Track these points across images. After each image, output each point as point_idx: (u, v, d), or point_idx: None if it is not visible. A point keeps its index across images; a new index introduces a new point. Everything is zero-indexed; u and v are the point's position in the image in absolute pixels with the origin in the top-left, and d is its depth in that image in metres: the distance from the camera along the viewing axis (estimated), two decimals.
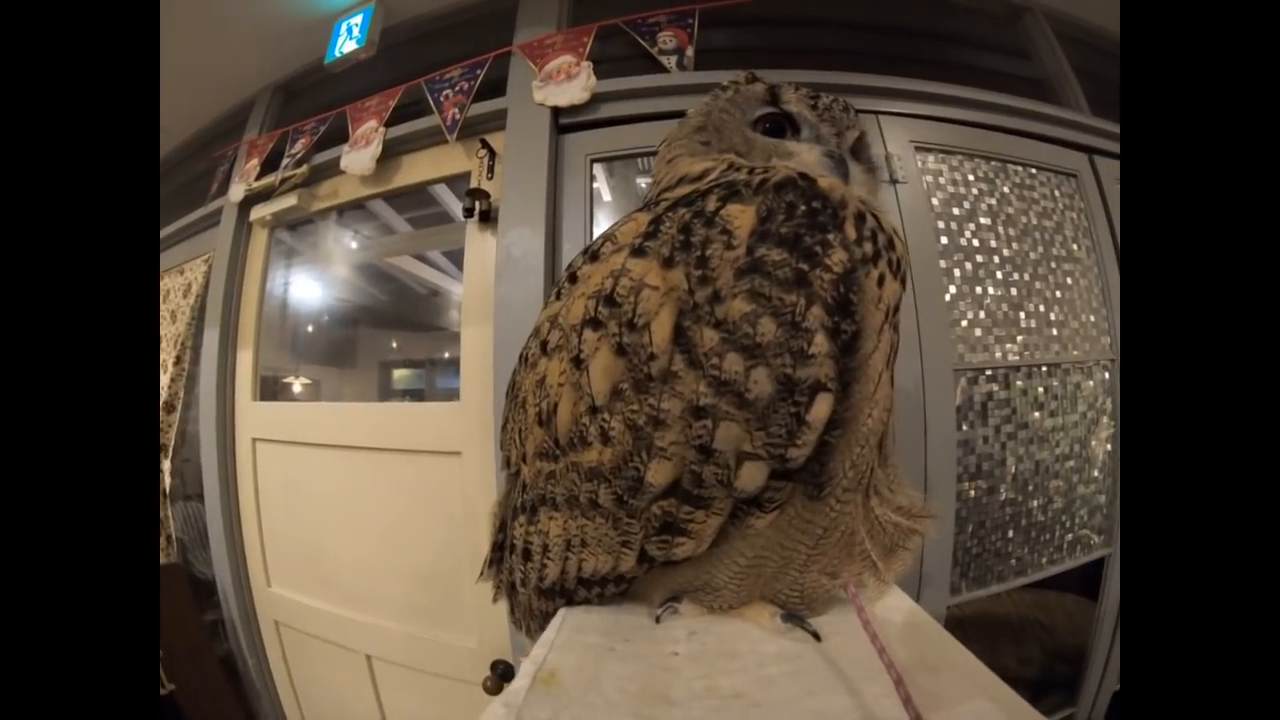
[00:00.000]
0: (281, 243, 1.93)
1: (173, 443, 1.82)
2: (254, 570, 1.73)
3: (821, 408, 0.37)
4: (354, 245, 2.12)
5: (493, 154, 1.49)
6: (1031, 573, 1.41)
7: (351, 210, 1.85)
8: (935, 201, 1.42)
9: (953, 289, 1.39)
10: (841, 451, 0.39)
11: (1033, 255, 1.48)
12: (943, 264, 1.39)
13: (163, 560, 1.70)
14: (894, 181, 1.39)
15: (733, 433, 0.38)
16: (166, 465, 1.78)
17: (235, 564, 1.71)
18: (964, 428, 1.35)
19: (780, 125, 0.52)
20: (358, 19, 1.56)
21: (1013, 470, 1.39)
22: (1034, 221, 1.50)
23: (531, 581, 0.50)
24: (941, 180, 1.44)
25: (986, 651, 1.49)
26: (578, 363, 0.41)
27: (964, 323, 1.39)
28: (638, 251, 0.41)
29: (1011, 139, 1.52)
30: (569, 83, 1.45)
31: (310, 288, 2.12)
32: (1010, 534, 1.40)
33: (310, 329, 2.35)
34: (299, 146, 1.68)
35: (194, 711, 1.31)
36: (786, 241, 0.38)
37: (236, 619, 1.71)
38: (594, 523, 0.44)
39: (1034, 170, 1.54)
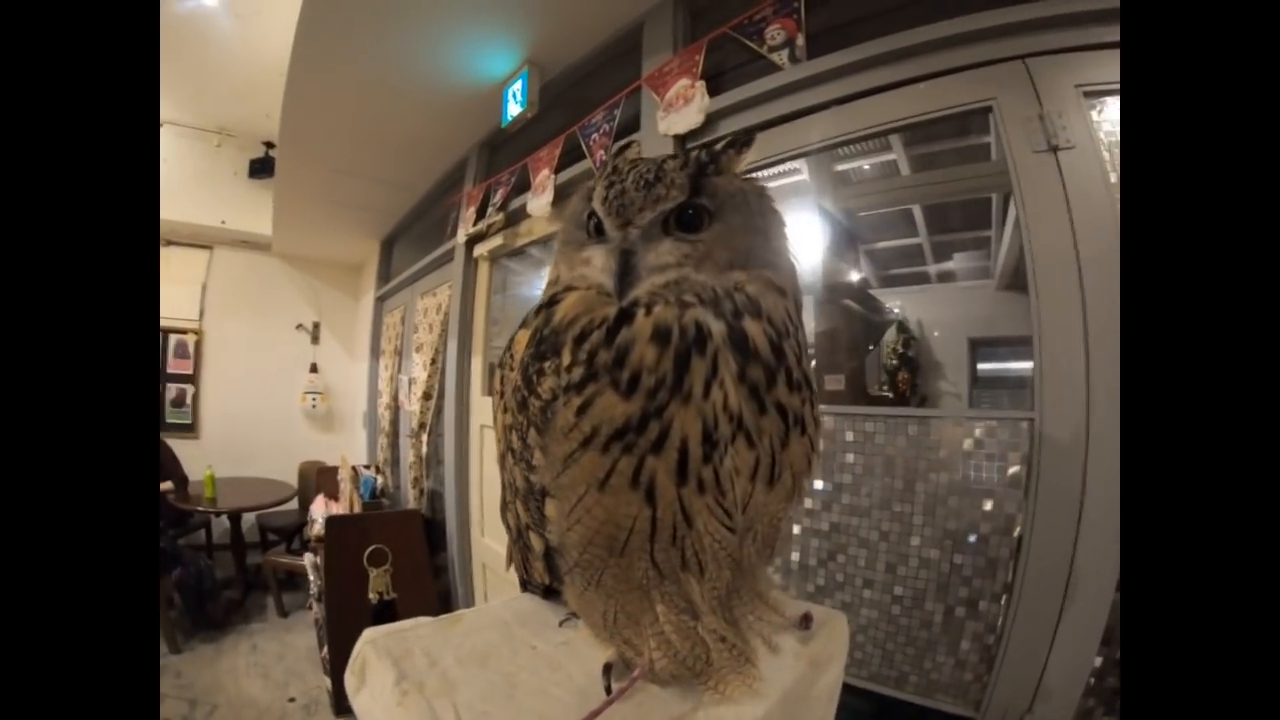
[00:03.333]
0: (531, 255, 2.41)
1: (429, 422, 2.57)
2: (474, 523, 2.31)
3: (551, 508, 0.45)
4: None
5: None
6: None
7: None
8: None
9: None
10: (561, 549, 0.46)
11: None
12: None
13: (414, 506, 2.43)
14: (1054, 149, 1.13)
15: (518, 509, 0.52)
16: (425, 438, 2.53)
17: (461, 517, 2.32)
18: None
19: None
20: (518, 85, 1.93)
21: None
22: None
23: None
24: None
25: None
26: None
27: None
28: (500, 364, 0.53)
29: None
30: (686, 107, 1.53)
31: None
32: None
33: None
34: (499, 196, 2.16)
35: (408, 616, 1.89)
36: (523, 368, 0.45)
37: (456, 557, 2.32)
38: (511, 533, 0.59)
39: None
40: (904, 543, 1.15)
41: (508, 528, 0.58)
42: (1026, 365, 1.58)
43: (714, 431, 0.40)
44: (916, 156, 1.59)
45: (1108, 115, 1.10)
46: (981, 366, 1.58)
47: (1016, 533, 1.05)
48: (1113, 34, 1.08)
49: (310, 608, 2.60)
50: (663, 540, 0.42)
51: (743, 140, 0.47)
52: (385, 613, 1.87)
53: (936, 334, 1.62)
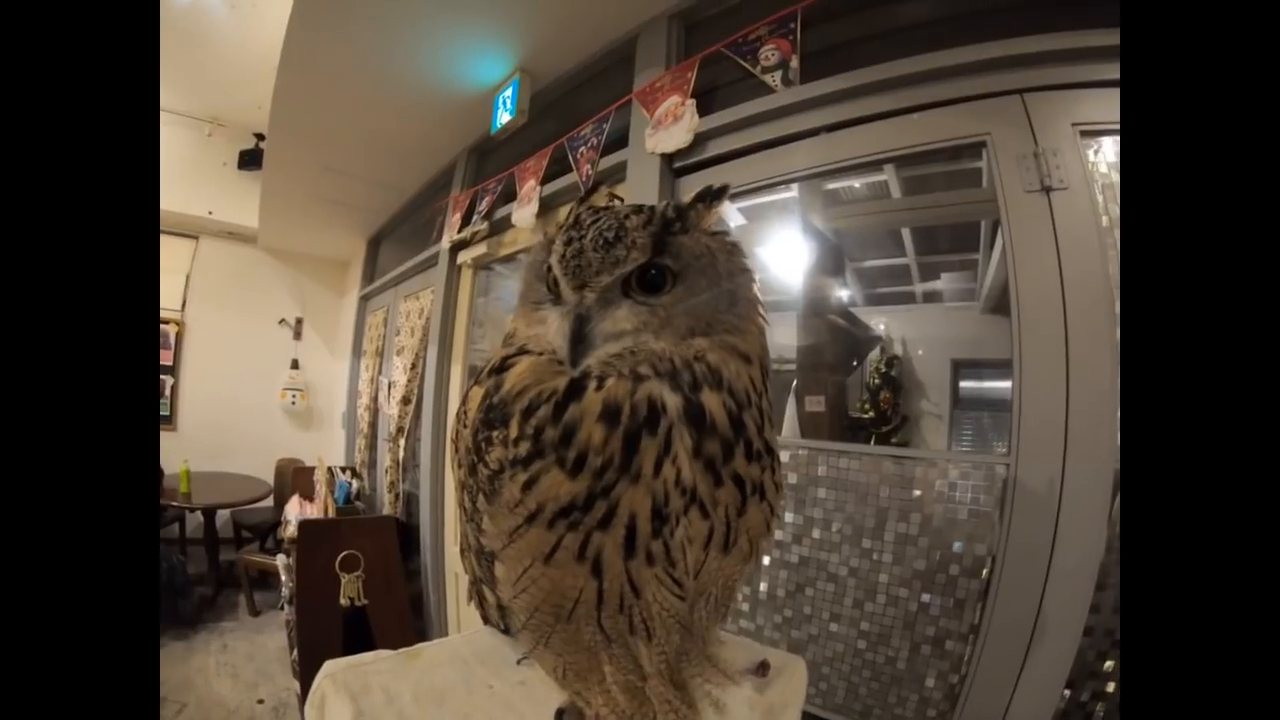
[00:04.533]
0: (519, 260, 2.36)
1: (407, 427, 2.49)
2: (448, 530, 2.24)
3: (500, 570, 0.44)
4: None
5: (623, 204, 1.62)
6: None
7: None
8: (1114, 212, 1.02)
9: None
10: (511, 611, 0.46)
11: None
12: (1120, 307, 0.98)
13: (389, 512, 2.37)
14: (1047, 190, 1.09)
15: (473, 561, 0.51)
16: (402, 442, 2.47)
17: (435, 525, 2.25)
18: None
19: None
20: (509, 92, 1.86)
21: None
22: None
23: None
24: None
25: None
26: None
27: None
28: (457, 416, 0.51)
29: None
30: (675, 125, 1.48)
31: None
32: None
33: None
34: (484, 204, 2.09)
35: (379, 624, 1.85)
36: (474, 433, 0.43)
37: (429, 565, 2.25)
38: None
39: None
40: (873, 579, 1.13)
41: (466, 571, 0.57)
42: (1008, 385, 1.60)
43: (664, 508, 0.39)
44: (908, 178, 1.56)
45: (1104, 155, 1.06)
46: (964, 385, 1.59)
47: (984, 574, 1.02)
48: (1112, 71, 1.03)
49: (282, 608, 2.55)
50: (610, 609, 0.41)
51: (713, 195, 0.44)
52: (356, 619, 1.82)
53: (920, 353, 1.62)
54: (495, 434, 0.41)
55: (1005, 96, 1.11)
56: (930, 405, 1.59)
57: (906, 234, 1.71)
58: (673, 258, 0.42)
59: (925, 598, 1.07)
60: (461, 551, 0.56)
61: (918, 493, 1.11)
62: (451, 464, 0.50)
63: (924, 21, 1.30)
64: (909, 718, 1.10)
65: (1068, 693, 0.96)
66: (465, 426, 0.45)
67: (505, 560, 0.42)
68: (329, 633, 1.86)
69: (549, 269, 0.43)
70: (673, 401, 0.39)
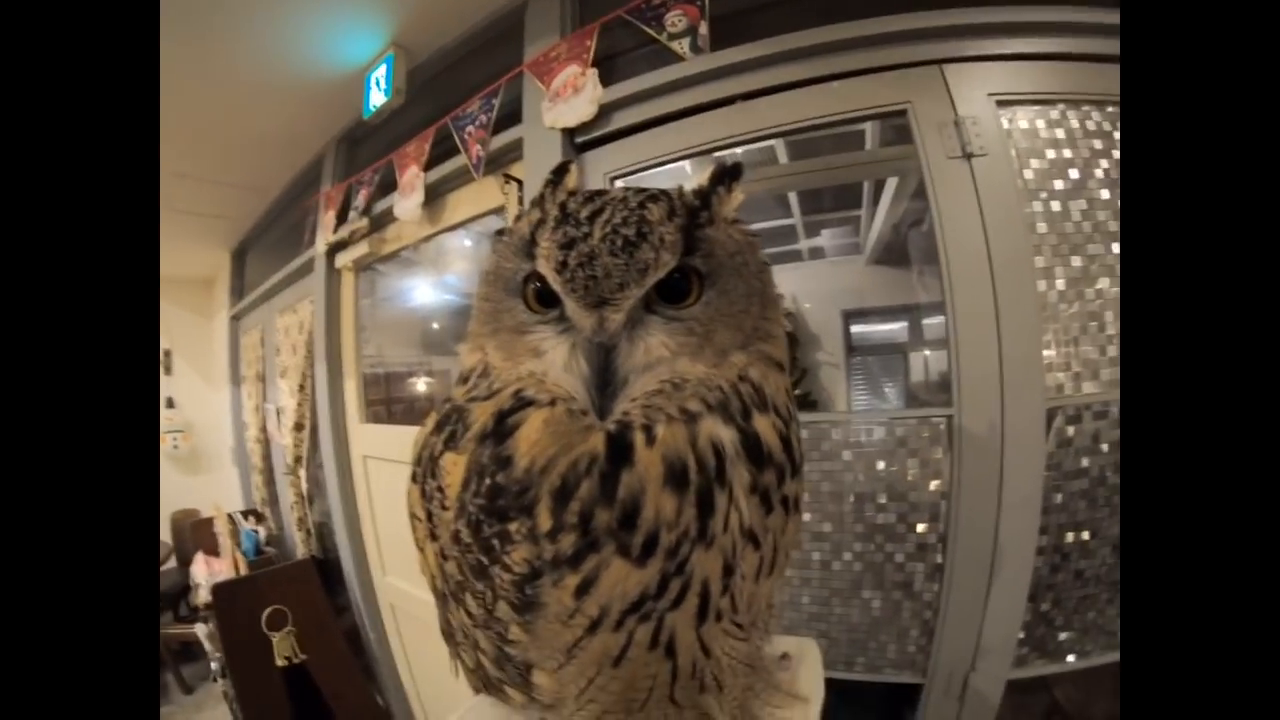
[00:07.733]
0: (403, 258, 1.98)
1: (305, 455, 2.07)
2: (372, 563, 1.90)
3: (543, 679, 0.34)
4: (468, 243, 2.16)
5: (521, 185, 1.38)
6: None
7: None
8: (1029, 175, 1.01)
9: (1053, 295, 0.99)
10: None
11: None
12: (1040, 262, 0.99)
13: (303, 552, 1.99)
14: (968, 156, 1.03)
15: (483, 661, 0.40)
16: (303, 474, 2.06)
17: (356, 557, 1.90)
18: (1058, 477, 1.00)
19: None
20: (382, 70, 1.51)
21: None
22: None
23: None
24: (1037, 143, 1.02)
25: None
26: None
27: (1066, 342, 0.99)
28: (413, 476, 0.39)
29: None
30: (575, 97, 1.26)
31: (428, 292, 2.15)
32: (1109, 608, 1.04)
33: (435, 325, 2.35)
34: (360, 198, 1.71)
35: (323, 677, 1.56)
36: (472, 523, 0.32)
37: (360, 601, 1.90)
38: None
39: None
40: (835, 538, 1.10)
41: (454, 655, 0.46)
42: (896, 328, 1.60)
43: (732, 560, 0.33)
44: (794, 144, 1.48)
45: (1018, 121, 1.04)
46: (855, 333, 1.60)
47: (941, 517, 1.03)
48: (1028, 44, 1.04)
49: (215, 680, 2.14)
50: (683, 680, 0.35)
51: (732, 173, 0.36)
52: (298, 677, 1.52)
53: (808, 306, 1.60)
54: (514, 527, 0.31)
55: (925, 67, 1.06)
56: (826, 355, 1.58)
57: (793, 196, 1.65)
58: (703, 257, 0.33)
59: (890, 548, 1.06)
60: (444, 634, 0.45)
61: (869, 450, 1.08)
62: (419, 539, 0.40)
63: None
64: (891, 658, 1.10)
65: (1029, 605, 1.02)
66: (445, 508, 0.34)
67: (560, 675, 0.34)
68: (274, 698, 1.57)
69: (535, 279, 0.33)
70: (729, 438, 0.32)
